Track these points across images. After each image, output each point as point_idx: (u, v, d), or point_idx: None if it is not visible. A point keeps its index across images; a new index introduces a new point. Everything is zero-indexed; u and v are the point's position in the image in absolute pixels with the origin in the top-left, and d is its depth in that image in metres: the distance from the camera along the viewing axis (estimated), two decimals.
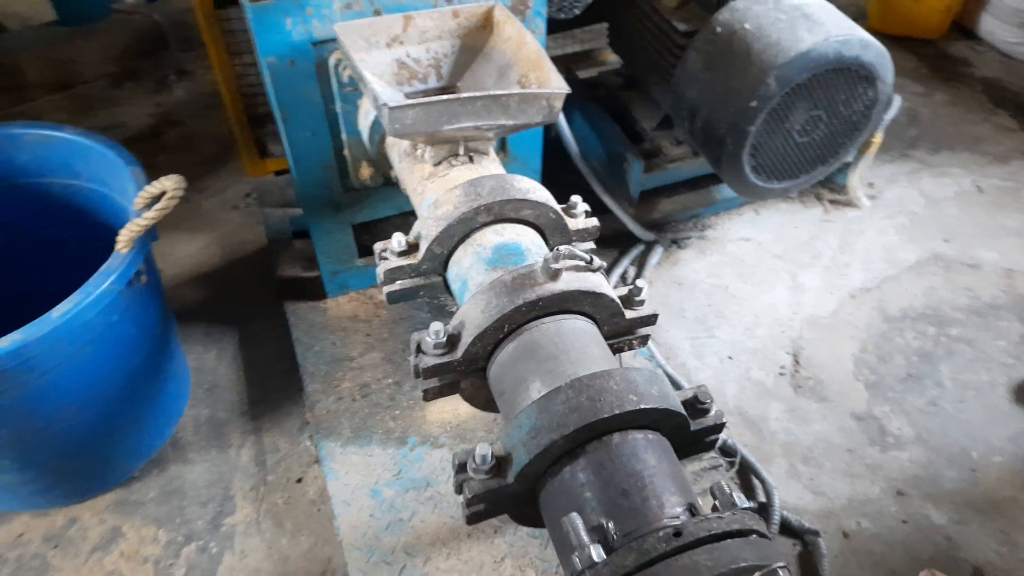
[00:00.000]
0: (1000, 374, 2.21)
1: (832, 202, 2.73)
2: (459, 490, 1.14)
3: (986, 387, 2.18)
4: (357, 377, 2.04)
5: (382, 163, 1.86)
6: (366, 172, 1.91)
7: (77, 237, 1.98)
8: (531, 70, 1.57)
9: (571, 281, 1.26)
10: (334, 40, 1.65)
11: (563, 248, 1.24)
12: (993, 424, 2.09)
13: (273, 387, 2.17)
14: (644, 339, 1.43)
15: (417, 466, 1.86)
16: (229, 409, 2.13)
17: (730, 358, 2.25)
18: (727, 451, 1.94)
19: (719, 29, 2.08)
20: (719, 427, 1.24)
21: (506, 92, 1.43)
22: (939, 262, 2.53)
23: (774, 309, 2.38)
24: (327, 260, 2.13)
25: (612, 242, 2.56)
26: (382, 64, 1.65)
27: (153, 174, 2.89)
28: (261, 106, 2.56)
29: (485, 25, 1.69)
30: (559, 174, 2.19)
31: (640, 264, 2.48)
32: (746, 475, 1.96)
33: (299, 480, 1.98)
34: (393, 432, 1.92)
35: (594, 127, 2.62)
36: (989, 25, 3.42)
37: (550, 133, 2.39)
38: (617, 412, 1.08)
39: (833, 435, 2.06)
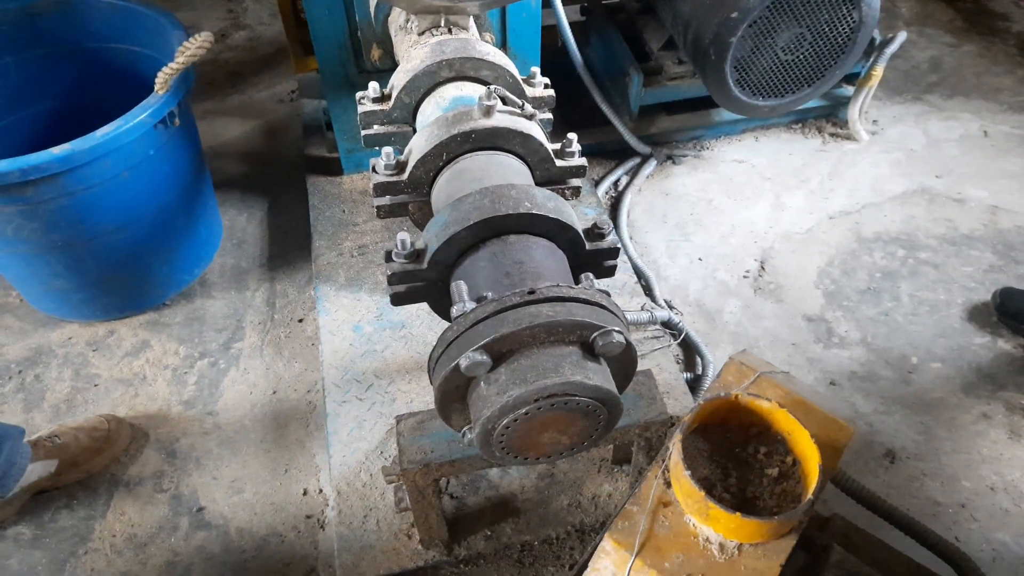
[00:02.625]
0: (959, 295, 2.32)
1: (832, 135, 2.83)
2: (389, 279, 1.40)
3: (942, 305, 2.29)
4: (358, 239, 2.33)
5: (388, 44, 2.11)
6: (376, 53, 2.16)
7: (134, 100, 2.32)
8: None
9: (502, 120, 1.48)
10: None
11: (495, 88, 1.46)
12: (940, 336, 2.21)
13: (291, 246, 2.49)
14: (576, 190, 1.65)
15: (397, 312, 2.14)
16: (251, 260, 2.46)
17: (700, 260, 2.43)
18: (671, 326, 2.14)
19: None
20: (614, 251, 1.45)
21: None
22: (925, 195, 2.62)
23: (752, 223, 2.53)
24: (344, 138, 2.41)
25: (611, 154, 2.75)
26: None
27: (218, 68, 3.24)
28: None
29: None
30: (562, 83, 2.39)
31: (633, 174, 2.67)
32: (690, 353, 2.15)
33: (300, 320, 2.30)
34: (381, 284, 2.21)
35: (607, 47, 2.80)
36: None
37: (557, 44, 2.59)
38: (511, 213, 1.31)
39: (782, 331, 2.22)
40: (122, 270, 2.16)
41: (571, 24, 2.50)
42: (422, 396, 1.95)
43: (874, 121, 2.88)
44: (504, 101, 1.54)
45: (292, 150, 2.81)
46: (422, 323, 2.11)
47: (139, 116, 1.85)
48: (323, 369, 2.01)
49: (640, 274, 2.31)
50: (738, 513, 0.82)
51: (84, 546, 1.79)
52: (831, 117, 2.86)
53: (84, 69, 2.34)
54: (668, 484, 0.92)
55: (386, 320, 2.12)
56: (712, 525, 0.87)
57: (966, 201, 2.59)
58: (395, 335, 2.09)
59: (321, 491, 1.89)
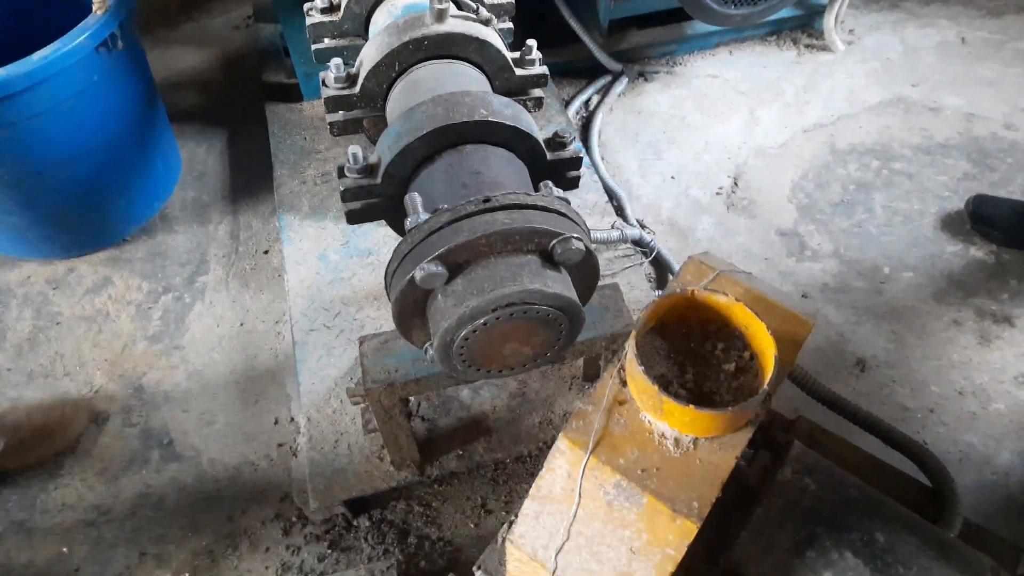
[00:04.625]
0: (932, 205, 2.30)
1: (808, 46, 2.76)
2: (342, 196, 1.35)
3: (915, 215, 2.28)
4: (320, 167, 2.26)
5: None
6: None
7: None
8: None
9: (455, 25, 1.41)
10: None
11: None
12: (912, 246, 2.20)
13: (253, 177, 2.41)
14: (538, 101, 1.59)
15: (363, 239, 2.10)
16: (213, 194, 2.39)
17: (673, 178, 2.38)
18: (643, 244, 2.11)
19: None
20: (576, 161, 1.41)
21: None
22: (900, 104, 2.57)
23: (725, 138, 2.48)
24: (302, 61, 2.31)
25: (581, 73, 2.67)
26: None
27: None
28: None
29: None
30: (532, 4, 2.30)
31: (604, 93, 2.59)
32: (662, 271, 2.13)
33: (266, 252, 2.25)
34: None
35: None
36: None
37: None
38: (466, 120, 1.26)
39: (755, 246, 2.20)
40: (77, 205, 2.09)
41: None
42: (390, 322, 1.91)
43: (850, 31, 2.80)
44: (458, 6, 1.47)
45: (250, 78, 2.70)
46: (389, 249, 2.07)
47: (78, 38, 1.76)
48: (289, 298, 1.97)
49: (611, 194, 2.27)
50: (691, 406, 0.81)
51: (54, 482, 1.78)
52: (807, 28, 2.79)
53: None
54: (624, 383, 0.91)
55: (352, 248, 2.08)
56: (667, 420, 0.86)
57: (942, 109, 2.54)
58: (362, 262, 2.05)
59: (292, 419, 1.88)
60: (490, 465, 1.73)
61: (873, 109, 2.56)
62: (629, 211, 2.24)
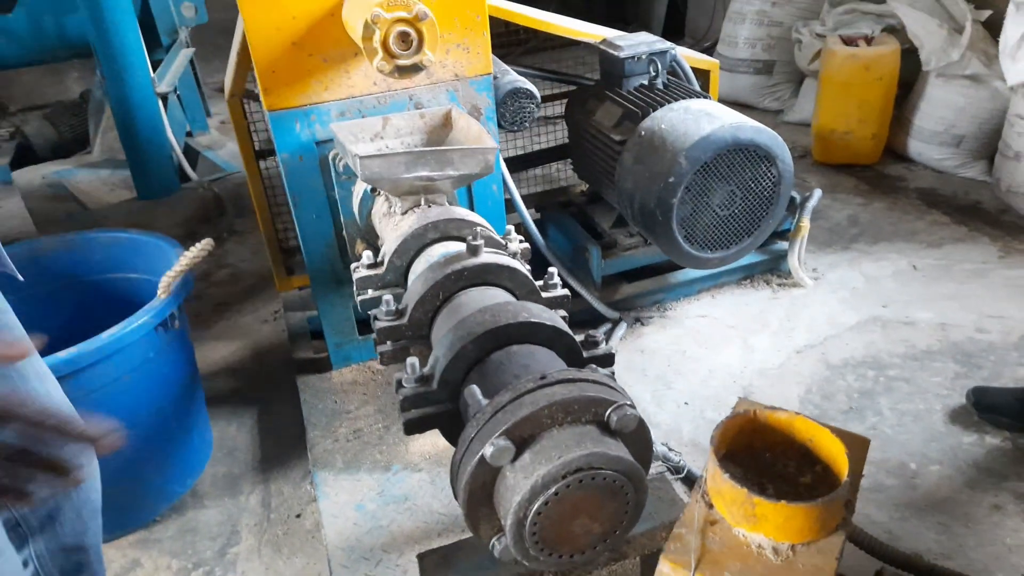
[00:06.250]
0: (936, 403, 2.41)
1: (780, 284, 3.08)
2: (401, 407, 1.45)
3: (923, 413, 2.37)
4: (352, 424, 2.36)
5: (372, 238, 2.32)
6: (360, 247, 2.37)
7: None
8: (474, 142, 2.07)
9: (489, 257, 1.65)
10: (331, 140, 2.20)
11: (480, 230, 1.64)
12: (930, 441, 2.27)
13: (283, 447, 2.48)
14: (563, 320, 1.77)
15: (398, 486, 2.12)
16: (243, 466, 2.44)
17: (686, 403, 2.50)
18: (669, 461, 2.15)
19: (643, 133, 2.61)
20: (610, 358, 1.55)
21: (450, 147, 1.92)
22: (877, 322, 2.81)
23: (727, 365, 2.66)
24: (332, 332, 2.53)
25: (582, 324, 2.91)
26: (366, 152, 2.18)
27: (203, 303, 3.42)
28: (291, 239, 3.12)
29: (446, 123, 2.23)
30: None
31: (607, 338, 2.82)
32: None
33: (298, 515, 2.23)
34: (379, 462, 2.20)
35: (564, 232, 3.10)
36: (917, 147, 3.93)
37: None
38: (511, 322, 1.42)
39: None
40: (114, 484, 2.08)
41: None
42: None
43: (813, 269, 3.15)
44: (488, 243, 1.72)
45: (277, 363, 2.90)
46: (425, 493, 2.08)
47: (143, 317, 1.96)
48: (328, 552, 1.93)
49: None
50: (783, 501, 0.85)
51: None
52: (774, 271, 3.13)
53: (83, 300, 2.48)
54: (710, 505, 0.94)
55: (388, 495, 2.09)
56: (761, 530, 0.88)
57: (916, 323, 2.78)
58: (399, 508, 2.05)
59: None
60: None
61: (853, 328, 2.79)
62: (651, 436, 2.31)
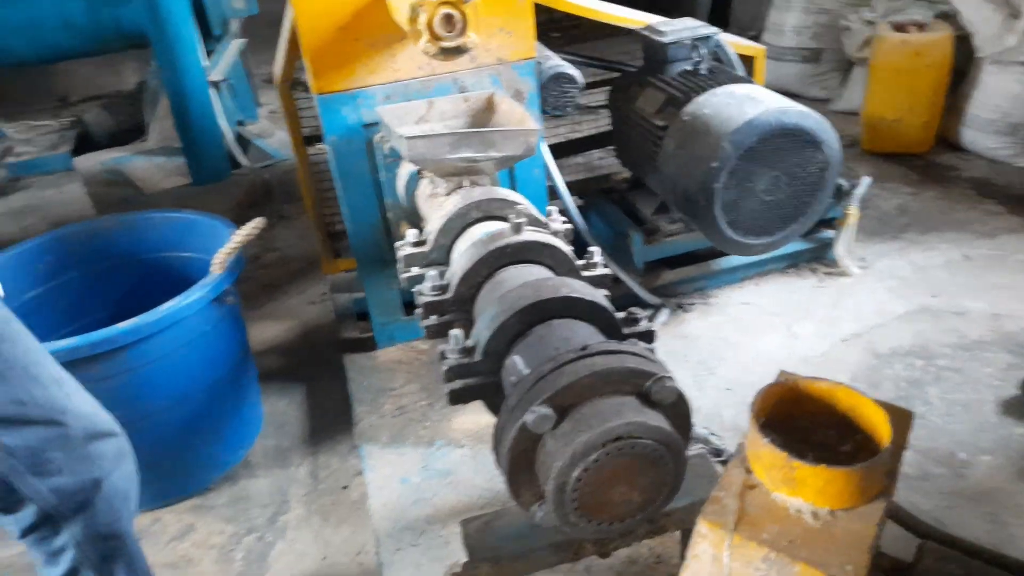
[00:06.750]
0: (988, 394, 2.36)
1: (826, 273, 3.04)
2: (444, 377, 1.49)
3: (974, 404, 2.33)
4: (396, 401, 2.41)
5: (415, 219, 2.37)
6: (404, 228, 2.42)
7: None
8: (517, 125, 2.10)
9: (531, 235, 1.67)
10: (377, 123, 2.25)
11: (523, 208, 1.67)
12: (981, 432, 2.22)
13: (331, 422, 2.55)
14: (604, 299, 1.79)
15: (441, 461, 2.17)
16: (293, 439, 2.52)
17: (728, 389, 2.49)
18: (709, 444, 2.15)
19: (686, 118, 2.60)
20: (649, 334, 1.57)
21: (492, 129, 1.95)
22: (927, 311, 2.76)
23: (770, 352, 2.64)
24: (377, 312, 2.59)
25: (623, 310, 2.91)
26: (412, 133, 2.22)
27: (252, 285, 3.51)
28: (337, 224, 3.19)
29: (489, 107, 2.26)
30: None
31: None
32: None
33: (345, 487, 2.30)
34: (423, 438, 2.25)
35: (605, 218, 3.11)
36: (970, 136, 3.83)
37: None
38: (553, 296, 1.45)
39: None
40: (171, 450, 2.20)
41: None
42: None
43: (861, 258, 3.10)
44: (531, 222, 1.74)
45: (325, 343, 2.97)
46: (467, 468, 2.13)
47: (199, 292, 2.04)
48: (374, 522, 1.99)
49: None
50: (823, 464, 0.86)
51: None
52: (821, 259, 3.09)
53: (139, 278, 2.57)
54: (748, 471, 0.95)
55: (432, 470, 2.14)
56: (800, 494, 0.89)
57: (967, 312, 2.72)
58: (443, 482, 2.10)
59: None
60: None
61: (902, 318, 2.74)
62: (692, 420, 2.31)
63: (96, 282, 2.55)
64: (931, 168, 3.81)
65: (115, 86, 6.60)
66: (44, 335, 1.88)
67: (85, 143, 5.23)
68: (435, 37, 1.84)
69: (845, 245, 2.98)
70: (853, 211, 2.93)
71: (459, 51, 1.89)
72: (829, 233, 3.03)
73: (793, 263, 3.09)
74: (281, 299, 3.33)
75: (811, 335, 2.71)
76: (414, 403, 2.38)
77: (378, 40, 2.17)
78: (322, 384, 2.74)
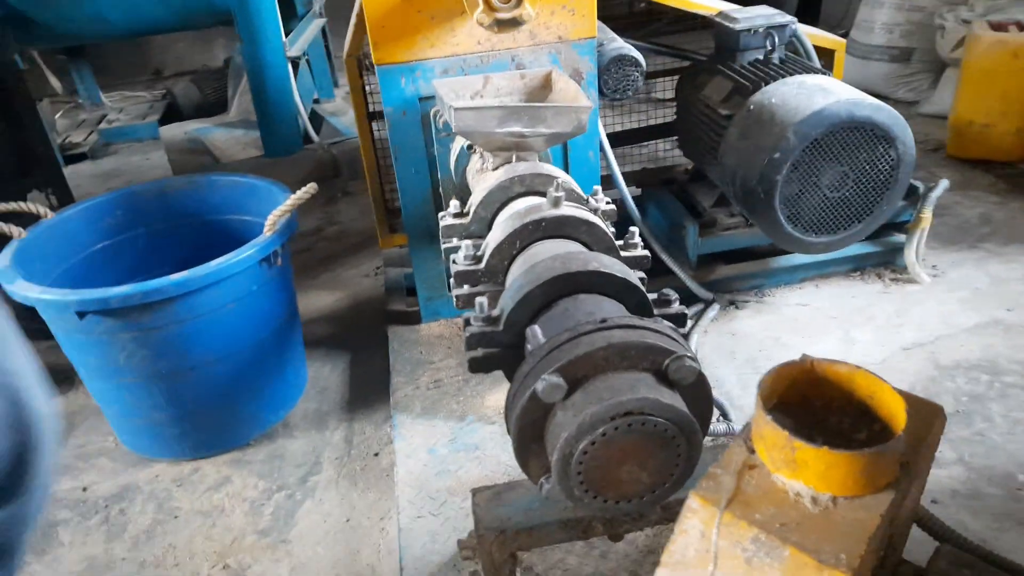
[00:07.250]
0: None
1: (893, 279, 2.89)
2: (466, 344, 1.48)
3: None
4: (434, 374, 2.43)
5: (466, 195, 2.37)
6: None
7: None
8: (571, 102, 2.07)
9: (569, 210, 1.65)
10: (434, 97, 2.26)
11: (562, 181, 1.64)
12: None
13: (370, 391, 2.59)
14: (641, 281, 1.74)
15: (470, 435, 2.17)
16: (332, 405, 2.57)
17: None
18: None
19: (752, 107, 2.51)
20: (682, 317, 1.52)
21: (543, 104, 1.93)
22: (999, 325, 2.58)
23: (823, 355, 2.52)
24: (423, 286, 2.61)
25: None
26: (461, 104, 2.22)
27: (311, 256, 3.59)
28: (397, 200, 3.23)
29: (545, 84, 2.24)
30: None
31: (698, 318, 2.75)
32: None
33: (376, 454, 2.33)
34: (455, 412, 2.26)
35: (662, 209, 3.04)
36: None
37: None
38: (581, 270, 1.42)
39: None
40: (215, 403, 2.28)
41: None
42: None
43: (933, 266, 2.94)
44: (570, 197, 1.72)
45: (374, 315, 3.02)
46: (495, 444, 2.12)
47: (248, 251, 2.10)
48: (398, 488, 2.01)
49: (715, 403, 2.29)
50: (825, 447, 0.81)
51: None
52: (888, 264, 2.94)
53: (201, 237, 2.67)
54: (751, 451, 0.91)
55: (460, 443, 2.14)
56: (801, 477, 0.84)
57: None
58: (469, 456, 2.10)
59: None
60: None
61: (971, 330, 2.58)
62: (733, 418, 2.25)
63: (161, 240, 2.66)
64: (1021, 177, 3.57)
65: (205, 62, 6.89)
66: (108, 285, 1.98)
67: (173, 114, 5.49)
68: (491, 7, 1.84)
69: (916, 250, 2.82)
70: (926, 214, 2.77)
71: (514, 23, 1.88)
72: (900, 237, 2.88)
73: (858, 266, 2.95)
74: (337, 270, 3.40)
75: (870, 341, 2.58)
76: (450, 377, 2.40)
77: (438, 13, 2.18)
78: (366, 354, 2.78)
